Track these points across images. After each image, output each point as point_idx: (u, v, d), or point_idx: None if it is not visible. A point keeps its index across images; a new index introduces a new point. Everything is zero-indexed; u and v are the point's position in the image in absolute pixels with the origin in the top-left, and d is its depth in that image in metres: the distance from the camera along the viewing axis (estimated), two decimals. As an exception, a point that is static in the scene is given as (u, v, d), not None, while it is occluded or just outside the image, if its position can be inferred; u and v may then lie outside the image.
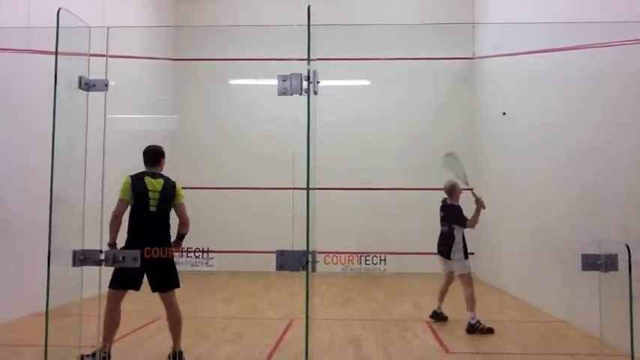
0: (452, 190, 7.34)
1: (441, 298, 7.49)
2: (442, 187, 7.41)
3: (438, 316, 7.48)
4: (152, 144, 5.55)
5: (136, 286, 5.05)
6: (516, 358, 5.69)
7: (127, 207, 5.11)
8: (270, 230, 11.44)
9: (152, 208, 5.13)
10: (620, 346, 5.59)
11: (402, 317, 7.96)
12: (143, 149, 5.44)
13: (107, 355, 4.94)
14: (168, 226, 5.27)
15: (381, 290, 10.26)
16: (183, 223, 5.38)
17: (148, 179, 5.20)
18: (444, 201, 7.45)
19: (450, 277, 7.40)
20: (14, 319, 7.08)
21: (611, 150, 6.39)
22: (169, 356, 5.25)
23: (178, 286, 5.27)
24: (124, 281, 4.97)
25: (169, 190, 5.26)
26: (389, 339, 6.48)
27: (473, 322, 6.77)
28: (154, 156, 5.43)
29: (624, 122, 6.15)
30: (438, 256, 7.42)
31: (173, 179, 5.41)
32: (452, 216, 7.20)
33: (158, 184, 5.22)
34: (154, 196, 5.15)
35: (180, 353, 5.24)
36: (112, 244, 4.95)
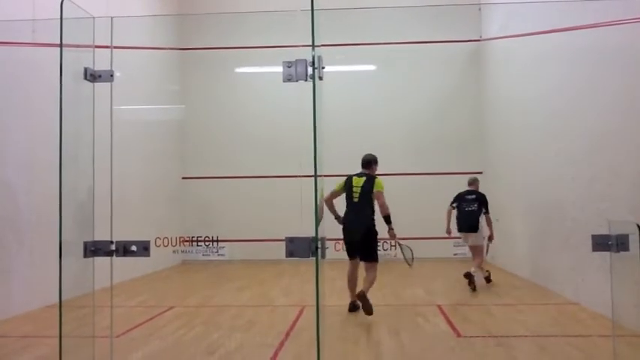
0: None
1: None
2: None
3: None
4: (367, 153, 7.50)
5: (356, 256, 7.10)
6: (528, 341, 5.69)
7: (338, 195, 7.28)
8: (279, 218, 11.47)
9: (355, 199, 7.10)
10: (633, 327, 5.58)
11: (414, 302, 7.98)
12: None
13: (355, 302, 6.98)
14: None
15: (391, 275, 10.26)
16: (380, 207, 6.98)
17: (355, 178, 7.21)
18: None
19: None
20: (28, 312, 7.16)
21: (621, 130, 6.32)
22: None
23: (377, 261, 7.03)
24: (349, 253, 7.15)
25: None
26: (400, 324, 6.49)
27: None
28: (365, 162, 7.39)
29: (634, 102, 6.08)
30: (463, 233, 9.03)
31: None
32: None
33: (359, 180, 7.15)
34: (356, 190, 7.10)
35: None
36: (337, 217, 7.24)
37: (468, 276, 8.56)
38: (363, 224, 6.96)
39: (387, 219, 6.94)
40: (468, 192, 9.19)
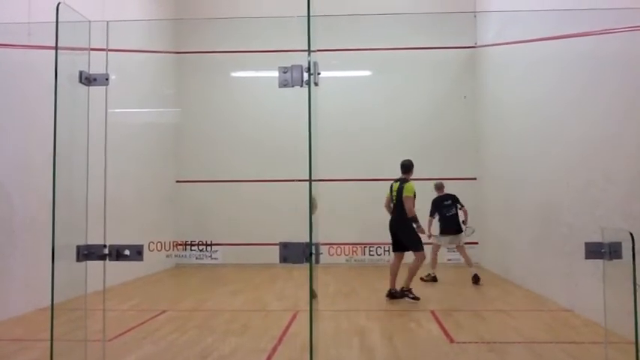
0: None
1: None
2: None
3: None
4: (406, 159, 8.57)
5: (398, 251, 8.46)
6: (521, 347, 5.70)
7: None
8: (274, 222, 11.47)
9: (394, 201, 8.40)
10: (625, 334, 5.59)
11: (407, 307, 7.98)
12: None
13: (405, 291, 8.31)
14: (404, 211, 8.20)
15: (385, 280, 10.26)
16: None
17: (394, 184, 8.48)
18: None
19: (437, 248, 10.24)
20: (20, 315, 7.13)
21: (616, 137, 6.36)
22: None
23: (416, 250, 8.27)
24: (392, 247, 8.54)
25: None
26: (394, 329, 6.49)
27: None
28: (402, 167, 8.51)
29: (628, 109, 6.11)
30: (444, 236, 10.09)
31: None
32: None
33: (396, 185, 8.41)
34: (395, 195, 8.35)
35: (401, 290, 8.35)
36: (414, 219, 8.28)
37: (475, 278, 9.78)
38: (400, 222, 8.23)
39: (414, 219, 8.16)
40: (442, 198, 10.24)
